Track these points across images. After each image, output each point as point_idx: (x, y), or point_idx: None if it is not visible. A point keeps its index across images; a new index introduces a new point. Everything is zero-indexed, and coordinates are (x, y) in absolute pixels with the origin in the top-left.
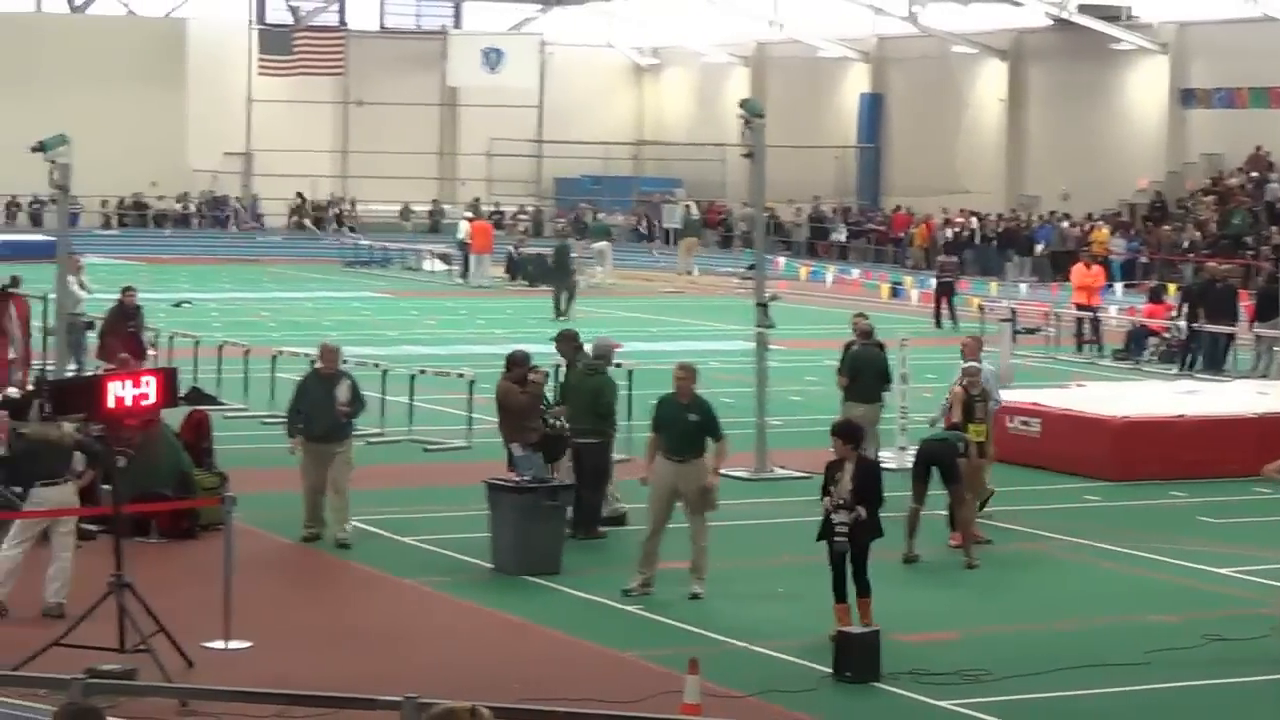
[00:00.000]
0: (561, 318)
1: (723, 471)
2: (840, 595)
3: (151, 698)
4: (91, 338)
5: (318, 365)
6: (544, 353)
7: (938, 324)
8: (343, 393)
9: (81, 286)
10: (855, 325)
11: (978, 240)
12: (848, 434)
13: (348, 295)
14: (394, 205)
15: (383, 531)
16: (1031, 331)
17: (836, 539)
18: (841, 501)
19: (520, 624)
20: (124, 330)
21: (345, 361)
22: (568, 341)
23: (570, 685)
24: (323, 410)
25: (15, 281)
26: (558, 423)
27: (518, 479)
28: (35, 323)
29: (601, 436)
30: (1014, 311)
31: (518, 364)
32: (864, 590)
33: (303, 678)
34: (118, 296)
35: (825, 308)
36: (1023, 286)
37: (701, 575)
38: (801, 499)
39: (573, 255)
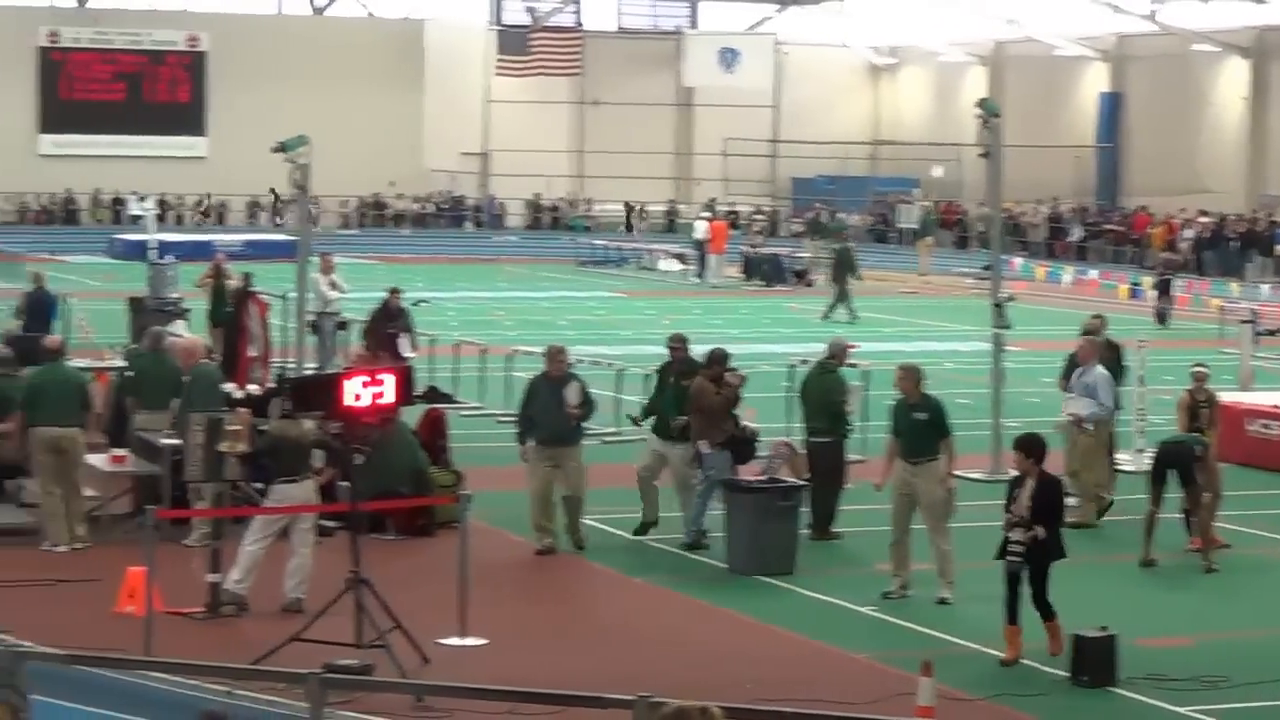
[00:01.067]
0: (841, 317)
1: (957, 473)
2: (1012, 617)
3: (387, 693)
4: (343, 336)
5: (546, 368)
6: (786, 353)
7: (1160, 322)
8: (572, 395)
9: (334, 286)
10: (1088, 327)
11: (1217, 241)
12: (1029, 447)
13: (583, 295)
14: (625, 205)
15: (617, 530)
16: (1273, 333)
17: (1010, 558)
18: (1018, 519)
19: (753, 624)
20: (384, 330)
21: (580, 361)
22: (680, 344)
23: (802, 686)
24: (551, 413)
25: (248, 279)
26: (749, 425)
27: (701, 477)
28: (275, 321)
29: (834, 436)
30: (1255, 313)
31: (716, 362)
32: (1047, 614)
33: (536, 675)
34: (383, 297)
35: (1062, 308)
36: (1264, 288)
37: (948, 579)
38: None
39: (856, 258)
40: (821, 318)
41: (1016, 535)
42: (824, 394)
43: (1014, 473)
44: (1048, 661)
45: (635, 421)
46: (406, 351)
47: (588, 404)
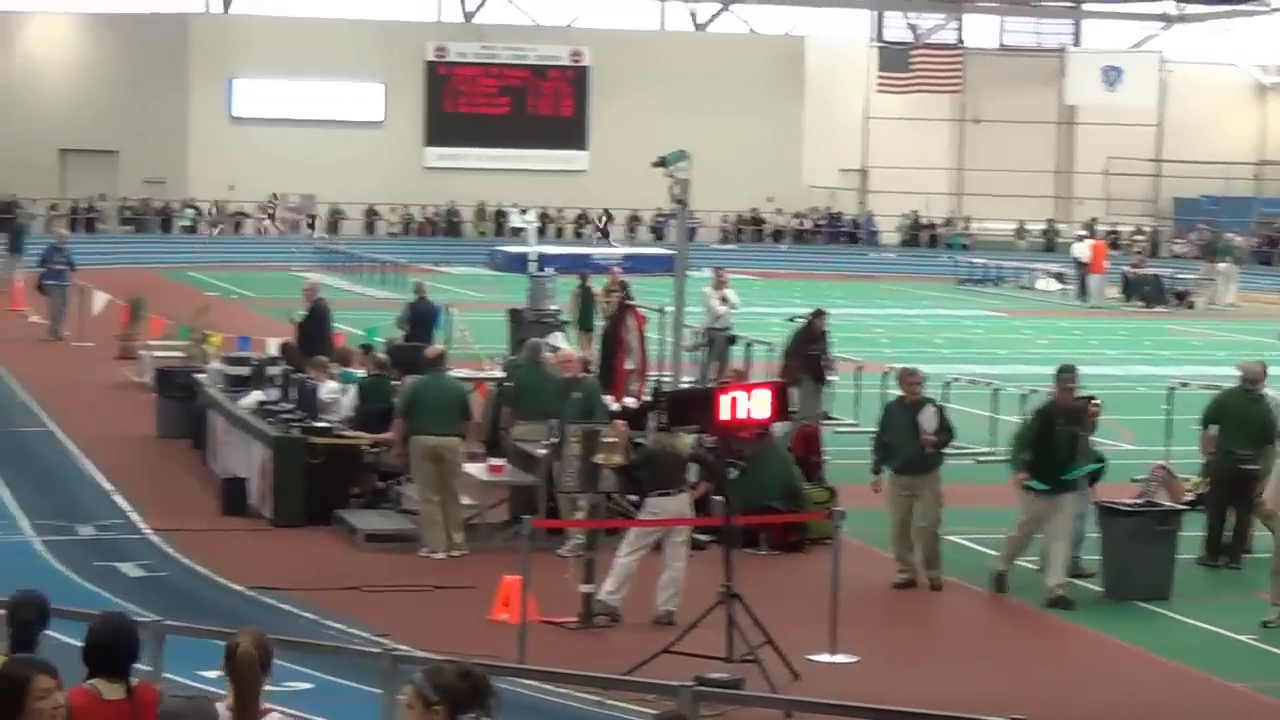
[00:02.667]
0: None
1: None
2: None
3: (757, 708)
4: (737, 352)
5: (900, 392)
6: (1165, 375)
7: None
8: (928, 421)
9: (725, 301)
10: None
11: None
12: None
13: (961, 313)
14: (1009, 223)
15: (990, 550)
16: None
17: None
18: None
19: (1127, 648)
20: (806, 352)
21: (955, 380)
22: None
23: (1178, 714)
24: (907, 440)
25: (626, 292)
26: (1098, 450)
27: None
28: (652, 334)
29: (1256, 463)
30: None
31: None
32: None
33: (906, 694)
34: (806, 318)
35: None
36: None
37: None
38: None
39: None
40: None
41: None
42: (1250, 419)
43: None
44: None
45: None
46: (829, 375)
47: (946, 430)
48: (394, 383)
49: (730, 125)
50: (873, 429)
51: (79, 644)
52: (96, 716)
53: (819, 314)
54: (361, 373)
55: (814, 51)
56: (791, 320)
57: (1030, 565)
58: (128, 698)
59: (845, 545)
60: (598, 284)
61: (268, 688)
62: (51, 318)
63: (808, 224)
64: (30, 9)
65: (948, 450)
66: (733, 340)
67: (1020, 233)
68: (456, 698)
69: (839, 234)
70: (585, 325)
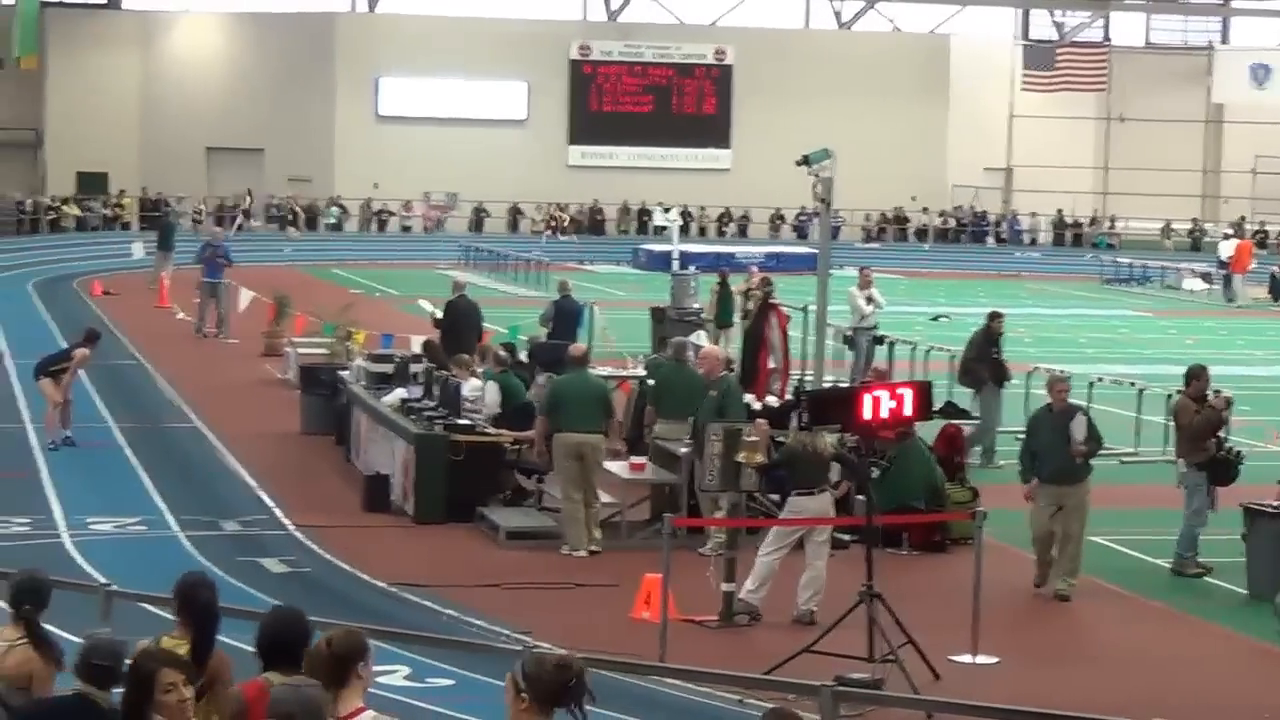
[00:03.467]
0: None
1: None
2: None
3: (898, 708)
4: (881, 352)
5: (1048, 400)
6: None
7: None
8: (1078, 430)
9: (870, 300)
10: None
11: None
12: None
13: (1106, 313)
14: (1155, 223)
15: (1133, 552)
16: None
17: None
18: None
19: (1269, 650)
20: (988, 355)
21: (1099, 380)
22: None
23: None
24: (1055, 450)
25: (769, 291)
26: (1236, 447)
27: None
28: (795, 333)
29: None
30: None
31: (1194, 378)
32: None
33: (1048, 696)
34: (985, 321)
35: None
36: None
37: None
38: None
39: None
40: None
41: None
42: None
43: None
44: None
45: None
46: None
47: (1095, 440)
48: (517, 379)
49: (874, 123)
50: (1016, 428)
51: (231, 641)
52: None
53: (996, 316)
54: (487, 370)
55: (959, 49)
56: (935, 320)
57: (1164, 564)
58: None
59: (987, 545)
60: (736, 282)
61: (371, 690)
62: (204, 315)
63: (951, 223)
64: (178, 9)
65: None
66: (880, 340)
67: (1166, 232)
68: (545, 689)
69: (983, 233)
70: (723, 322)
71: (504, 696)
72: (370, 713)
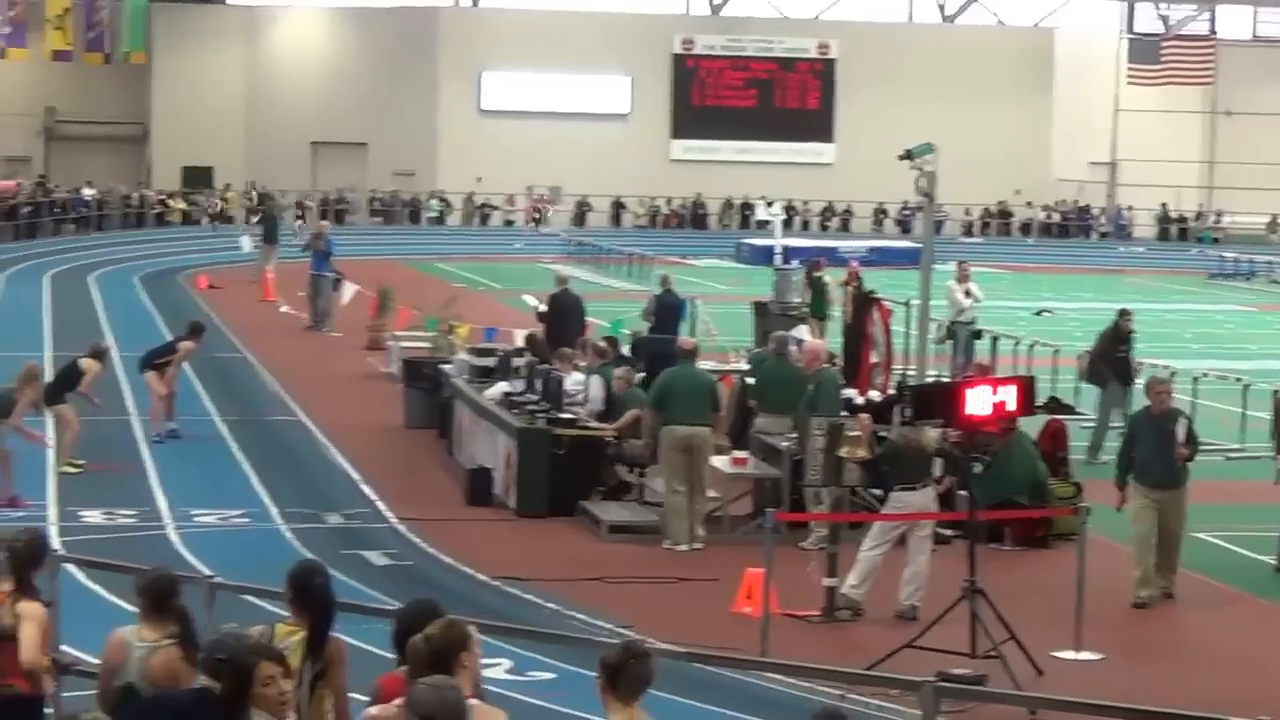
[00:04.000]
0: None
1: None
2: None
3: (1001, 704)
4: (983, 346)
5: (1148, 404)
6: None
7: None
8: (1180, 432)
9: (968, 294)
10: None
11: None
12: None
13: (1211, 308)
14: (1261, 217)
15: (1238, 548)
16: None
17: None
18: None
19: None
20: (1114, 353)
21: (1204, 375)
22: None
23: None
24: (1157, 453)
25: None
26: None
27: None
28: (898, 327)
29: None
30: None
31: None
32: None
33: (1152, 693)
34: (1114, 319)
35: None
36: None
37: None
38: None
39: None
40: None
41: None
42: None
43: None
44: None
45: None
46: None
47: (1193, 442)
48: (616, 373)
49: (978, 117)
50: (1118, 425)
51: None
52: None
53: (1125, 314)
54: (589, 365)
55: (1063, 43)
56: (1039, 314)
57: (1269, 560)
58: None
59: (1090, 542)
60: (833, 275)
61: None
62: (316, 308)
63: (1055, 217)
64: (283, 4)
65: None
66: (978, 335)
67: (1273, 226)
68: (611, 675)
69: (1087, 227)
70: (817, 313)
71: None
72: (474, 702)
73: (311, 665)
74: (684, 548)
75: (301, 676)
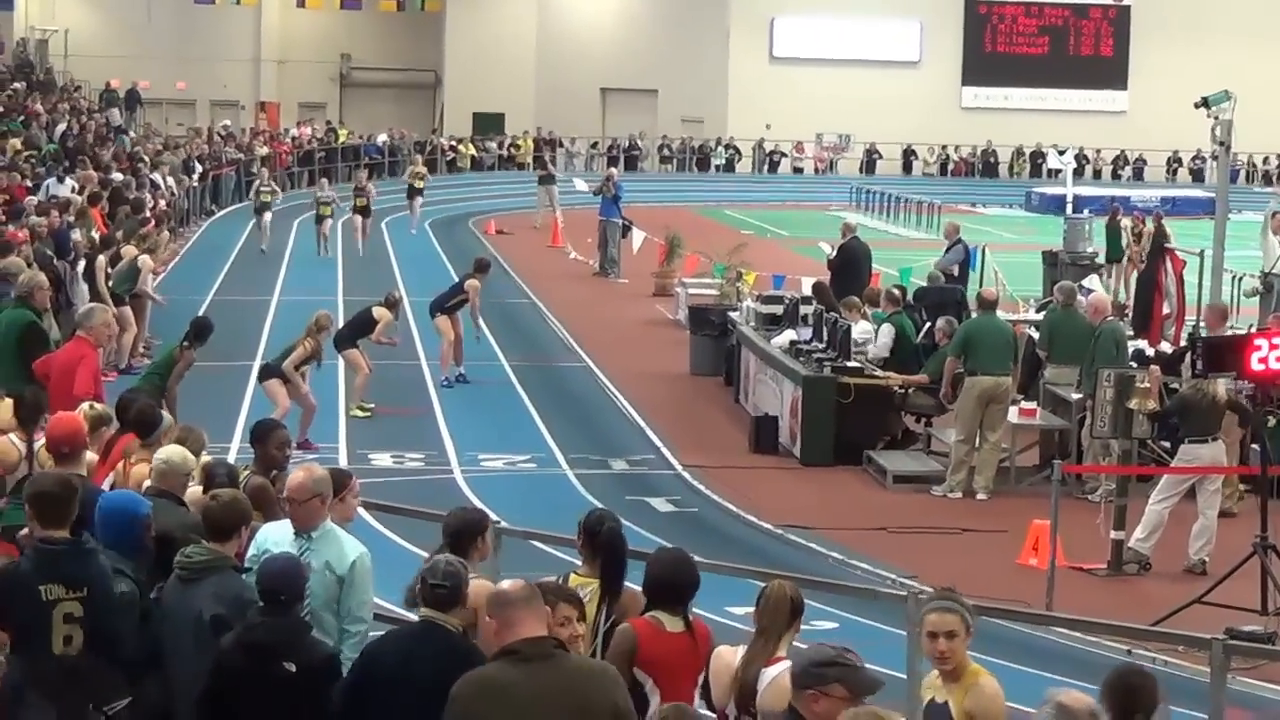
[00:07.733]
0: None
1: None
2: None
3: None
4: None
5: None
6: None
7: None
8: None
9: None
10: None
11: None
12: None
13: None
14: None
15: None
16: None
17: None
18: None
19: None
20: None
21: None
22: None
23: None
24: None
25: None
26: None
27: None
28: (1191, 278)
29: None
30: None
31: None
32: None
33: None
34: None
35: None
36: None
37: None
38: None
39: None
40: None
41: None
42: None
43: None
44: None
45: None
46: None
47: None
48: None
49: (1277, 64)
50: None
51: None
52: (659, 647)
53: None
54: (877, 312)
55: None
56: None
57: None
58: (687, 630)
59: None
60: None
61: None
62: (605, 254)
63: None
64: None
65: None
66: None
67: None
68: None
69: None
70: (1112, 256)
71: None
72: (785, 661)
73: (605, 616)
74: (979, 495)
75: (597, 626)
